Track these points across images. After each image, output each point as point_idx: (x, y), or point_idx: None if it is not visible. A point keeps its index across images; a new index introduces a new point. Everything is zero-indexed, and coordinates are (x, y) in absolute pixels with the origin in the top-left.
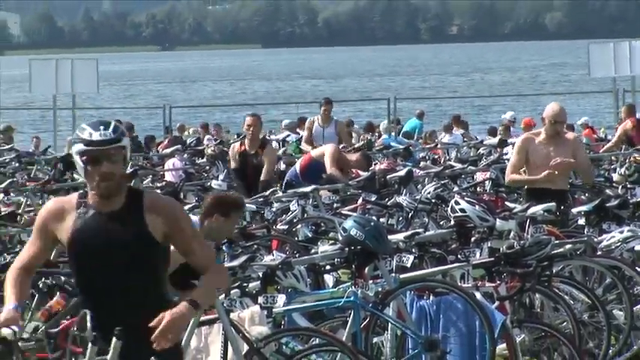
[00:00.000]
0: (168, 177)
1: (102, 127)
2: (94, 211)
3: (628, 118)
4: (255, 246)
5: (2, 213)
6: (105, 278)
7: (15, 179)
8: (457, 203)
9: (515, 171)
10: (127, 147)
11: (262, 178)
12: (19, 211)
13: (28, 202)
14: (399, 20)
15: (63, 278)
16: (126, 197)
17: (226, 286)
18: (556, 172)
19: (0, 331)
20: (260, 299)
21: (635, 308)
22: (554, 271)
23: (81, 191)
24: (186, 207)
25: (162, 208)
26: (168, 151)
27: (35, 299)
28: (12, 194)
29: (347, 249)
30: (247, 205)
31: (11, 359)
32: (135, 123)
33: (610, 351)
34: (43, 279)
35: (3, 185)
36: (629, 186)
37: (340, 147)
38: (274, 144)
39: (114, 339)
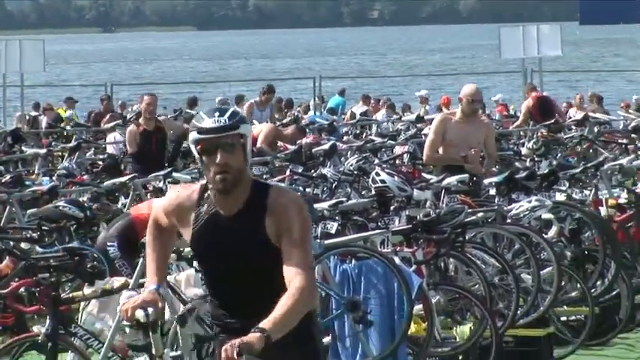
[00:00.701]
0: (110, 150)
1: (217, 114)
2: (214, 211)
3: (530, 96)
4: None
5: None
6: (223, 280)
7: None
8: (377, 174)
9: (433, 149)
10: (248, 135)
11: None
12: None
13: None
14: (323, 6)
15: (12, 243)
16: (250, 193)
17: (306, 311)
18: (472, 152)
19: (135, 312)
20: (194, 263)
21: (541, 272)
22: (467, 237)
23: (203, 183)
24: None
25: (283, 207)
26: (109, 125)
27: None
28: None
29: None
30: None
31: (146, 343)
32: (80, 100)
33: (518, 311)
34: None
35: None
36: (536, 159)
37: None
38: None
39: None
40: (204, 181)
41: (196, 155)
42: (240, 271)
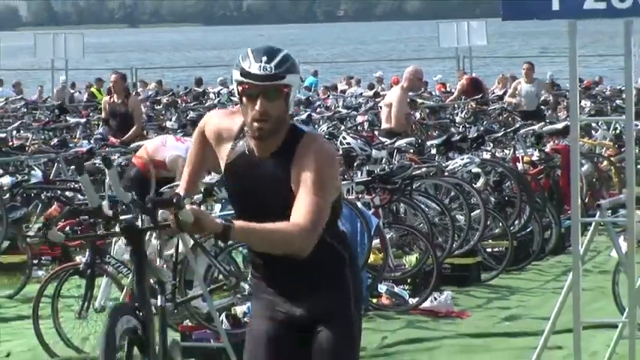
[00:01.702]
0: None
1: (264, 59)
2: (247, 148)
3: (462, 77)
4: None
5: (15, 145)
6: (249, 217)
7: (24, 120)
8: (344, 138)
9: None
10: (293, 85)
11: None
12: (27, 143)
13: (34, 138)
14: (302, 5)
15: (59, 192)
16: (284, 138)
17: (286, 247)
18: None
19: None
20: (202, 207)
21: (471, 214)
22: (413, 187)
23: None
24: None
25: (307, 154)
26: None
27: (39, 207)
28: (21, 131)
29: None
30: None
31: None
32: (109, 81)
33: (454, 245)
34: (44, 192)
35: (15, 125)
36: (467, 126)
37: None
38: (211, 95)
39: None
40: None
41: (236, 93)
42: (264, 210)
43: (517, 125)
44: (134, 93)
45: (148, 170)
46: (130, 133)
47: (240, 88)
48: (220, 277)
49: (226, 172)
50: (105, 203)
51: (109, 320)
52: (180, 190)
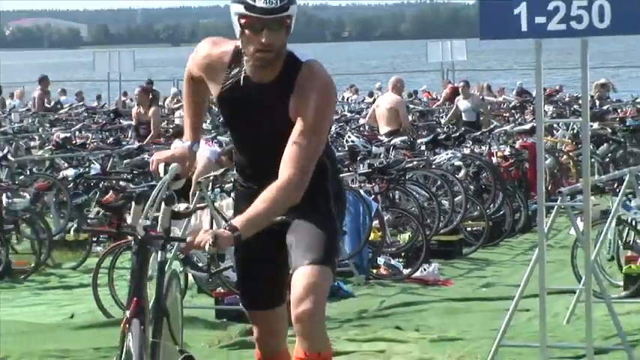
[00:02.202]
0: (177, 121)
1: None
2: (244, 76)
3: (447, 86)
4: None
5: (77, 143)
6: (246, 143)
7: (85, 123)
8: (349, 137)
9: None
10: (294, 15)
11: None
12: (88, 142)
13: (93, 137)
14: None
15: (114, 182)
16: (283, 66)
17: (286, 207)
18: None
19: (158, 164)
20: (232, 194)
21: (454, 199)
22: (407, 177)
23: (238, 45)
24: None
25: (306, 89)
26: (175, 106)
27: (97, 194)
28: (83, 132)
29: None
30: None
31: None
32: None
33: (440, 225)
34: (102, 182)
35: (77, 127)
36: (450, 126)
37: None
38: None
39: (162, 203)
40: (238, 43)
41: (237, 26)
42: (261, 138)
43: (492, 126)
44: (176, 100)
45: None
46: (147, 138)
47: (243, 21)
48: None
49: (221, 99)
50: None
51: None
52: (188, 138)
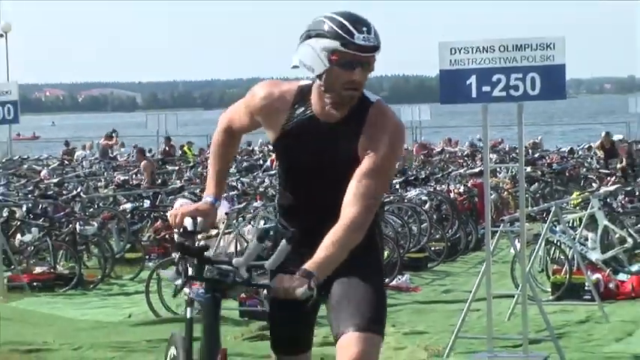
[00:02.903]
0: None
1: (365, 29)
2: (311, 115)
3: (414, 146)
4: None
5: (133, 184)
6: (303, 183)
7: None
8: None
9: None
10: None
11: None
12: (141, 183)
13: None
14: None
15: (162, 213)
16: (352, 105)
17: (352, 246)
18: None
19: (183, 219)
20: (251, 222)
21: (421, 226)
22: (385, 209)
23: (303, 84)
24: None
25: (376, 128)
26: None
27: (149, 223)
28: (138, 175)
29: None
30: None
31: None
32: (184, 143)
33: (410, 245)
34: (152, 213)
35: (134, 171)
36: (418, 170)
37: None
38: (256, 150)
39: (283, 240)
40: (301, 83)
41: (323, 62)
42: (320, 177)
43: (450, 170)
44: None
45: None
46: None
47: (334, 57)
48: None
49: (281, 139)
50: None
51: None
52: (210, 194)
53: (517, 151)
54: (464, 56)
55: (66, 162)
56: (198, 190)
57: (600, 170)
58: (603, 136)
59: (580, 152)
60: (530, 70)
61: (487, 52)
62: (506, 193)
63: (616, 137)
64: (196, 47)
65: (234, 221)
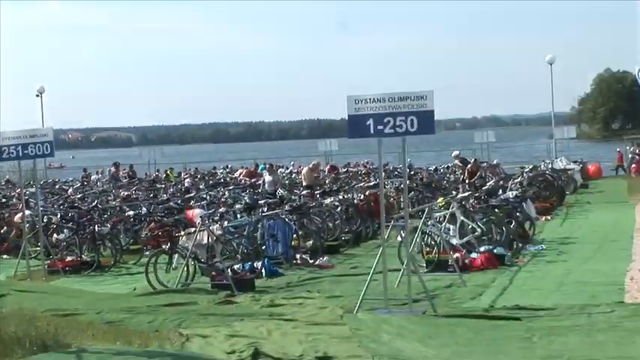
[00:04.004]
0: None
1: None
2: None
3: (327, 166)
4: None
5: (133, 197)
6: None
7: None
8: (279, 191)
9: None
10: None
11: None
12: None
13: (141, 194)
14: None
15: (155, 218)
16: None
17: None
18: None
19: None
20: (219, 222)
21: (335, 222)
22: (310, 211)
23: None
24: None
25: None
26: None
27: (145, 224)
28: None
29: None
30: None
31: None
32: (167, 168)
33: (328, 236)
34: (147, 218)
35: (133, 188)
36: (332, 183)
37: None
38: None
39: None
40: None
41: None
42: None
43: (353, 184)
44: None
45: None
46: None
47: None
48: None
49: None
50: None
51: None
52: None
53: (398, 169)
54: (364, 105)
55: (85, 183)
56: (179, 201)
57: (456, 183)
58: (472, 161)
59: (441, 170)
60: (410, 114)
61: (380, 102)
62: (392, 199)
63: (470, 159)
64: (171, 99)
65: (207, 222)
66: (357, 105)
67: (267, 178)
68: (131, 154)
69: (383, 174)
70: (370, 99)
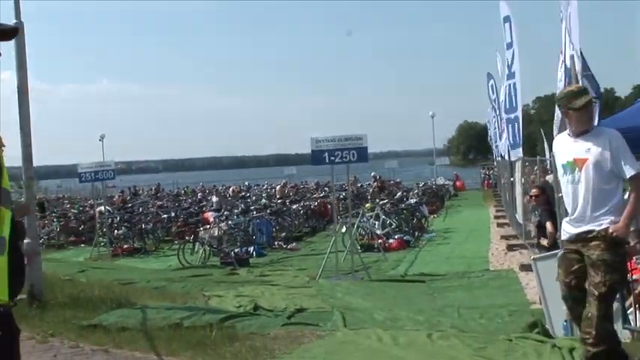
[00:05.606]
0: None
1: None
2: None
3: (288, 186)
4: None
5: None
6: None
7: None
8: (263, 201)
9: None
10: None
11: None
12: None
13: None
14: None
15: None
16: None
17: None
18: None
19: None
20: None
21: (300, 221)
22: (283, 214)
23: None
24: None
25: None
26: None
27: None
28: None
29: None
30: None
31: None
32: (185, 187)
33: (295, 229)
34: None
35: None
36: (290, 197)
37: None
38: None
39: None
40: None
41: None
42: None
43: (308, 196)
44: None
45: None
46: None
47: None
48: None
49: None
50: None
51: None
52: None
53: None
54: (323, 143)
55: (134, 196)
56: (196, 207)
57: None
58: (379, 179)
59: (365, 185)
60: (352, 149)
61: (333, 141)
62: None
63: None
64: (181, 140)
65: (217, 221)
66: (318, 143)
67: (215, 198)
68: (159, 178)
69: (326, 188)
70: (327, 139)
